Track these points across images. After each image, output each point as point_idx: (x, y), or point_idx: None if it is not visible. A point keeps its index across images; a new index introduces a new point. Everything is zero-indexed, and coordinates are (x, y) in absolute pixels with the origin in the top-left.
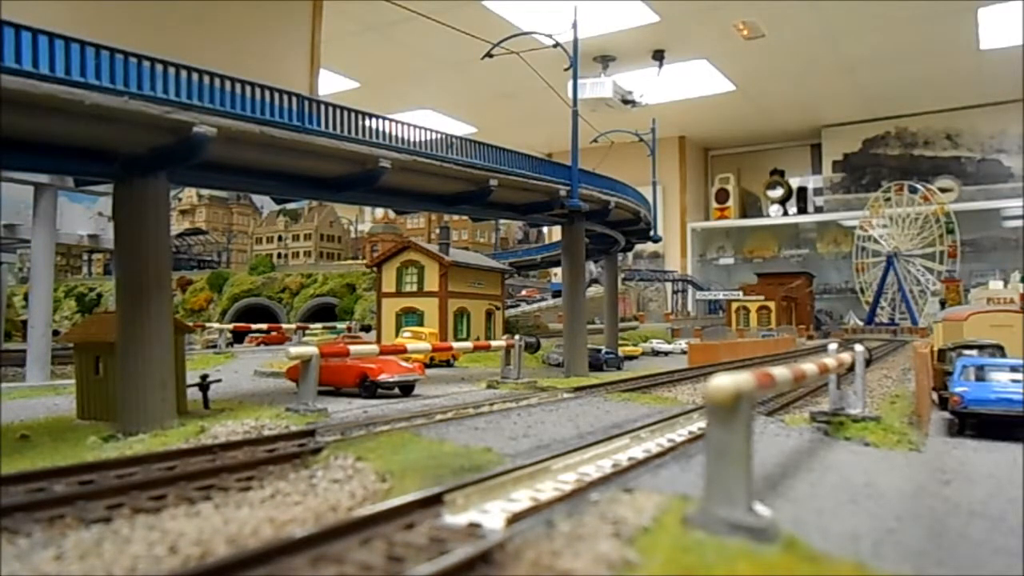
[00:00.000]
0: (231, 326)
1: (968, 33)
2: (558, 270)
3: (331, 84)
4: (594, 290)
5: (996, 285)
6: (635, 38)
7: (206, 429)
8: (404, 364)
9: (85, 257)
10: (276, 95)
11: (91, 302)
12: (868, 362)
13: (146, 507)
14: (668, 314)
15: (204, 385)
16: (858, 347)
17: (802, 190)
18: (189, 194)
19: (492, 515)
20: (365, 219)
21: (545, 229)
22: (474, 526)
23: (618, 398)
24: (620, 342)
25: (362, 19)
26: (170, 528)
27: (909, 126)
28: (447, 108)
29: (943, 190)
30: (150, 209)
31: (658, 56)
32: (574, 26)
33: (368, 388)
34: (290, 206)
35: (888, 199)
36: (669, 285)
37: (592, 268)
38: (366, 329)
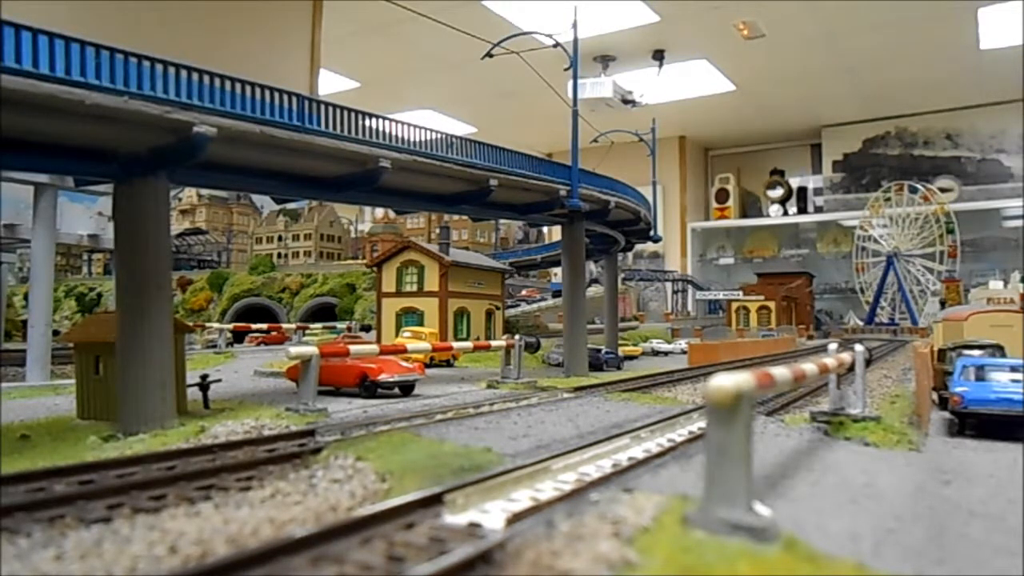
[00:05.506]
0: (231, 326)
1: (968, 33)
2: (558, 270)
3: (331, 84)
4: (594, 290)
5: (996, 285)
6: (635, 38)
7: (206, 429)
8: (404, 364)
9: (85, 257)
10: (276, 95)
11: (91, 302)
12: (868, 362)
13: (146, 507)
14: (668, 314)
15: (204, 385)
16: (858, 347)
17: (802, 190)
18: (189, 194)
19: (492, 515)
20: (365, 219)
21: (545, 229)
22: (474, 526)
23: (618, 398)
24: (620, 342)
25: (362, 19)
26: (170, 528)
27: (909, 126)
28: (447, 108)
29: (943, 190)
30: (150, 209)
31: (658, 56)
32: (574, 26)
33: (368, 388)
34: (290, 206)
35: (888, 199)
36: (669, 285)
37: (592, 268)
38: (366, 329)
